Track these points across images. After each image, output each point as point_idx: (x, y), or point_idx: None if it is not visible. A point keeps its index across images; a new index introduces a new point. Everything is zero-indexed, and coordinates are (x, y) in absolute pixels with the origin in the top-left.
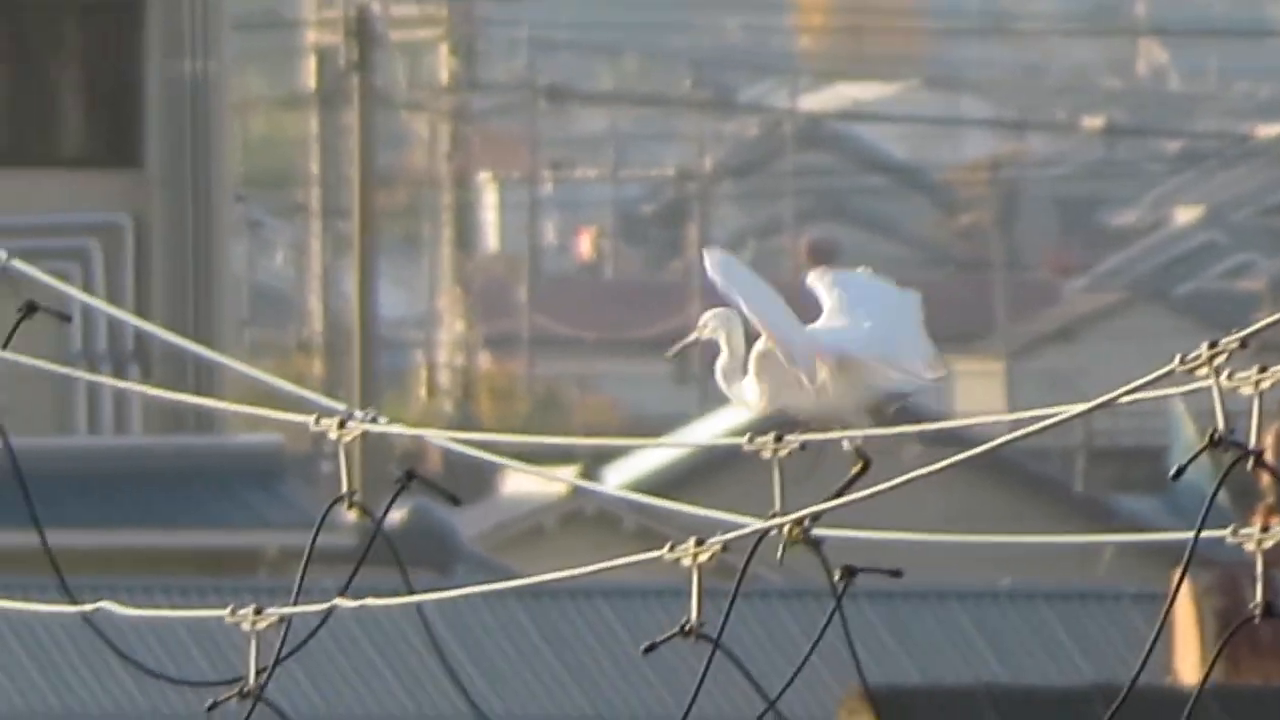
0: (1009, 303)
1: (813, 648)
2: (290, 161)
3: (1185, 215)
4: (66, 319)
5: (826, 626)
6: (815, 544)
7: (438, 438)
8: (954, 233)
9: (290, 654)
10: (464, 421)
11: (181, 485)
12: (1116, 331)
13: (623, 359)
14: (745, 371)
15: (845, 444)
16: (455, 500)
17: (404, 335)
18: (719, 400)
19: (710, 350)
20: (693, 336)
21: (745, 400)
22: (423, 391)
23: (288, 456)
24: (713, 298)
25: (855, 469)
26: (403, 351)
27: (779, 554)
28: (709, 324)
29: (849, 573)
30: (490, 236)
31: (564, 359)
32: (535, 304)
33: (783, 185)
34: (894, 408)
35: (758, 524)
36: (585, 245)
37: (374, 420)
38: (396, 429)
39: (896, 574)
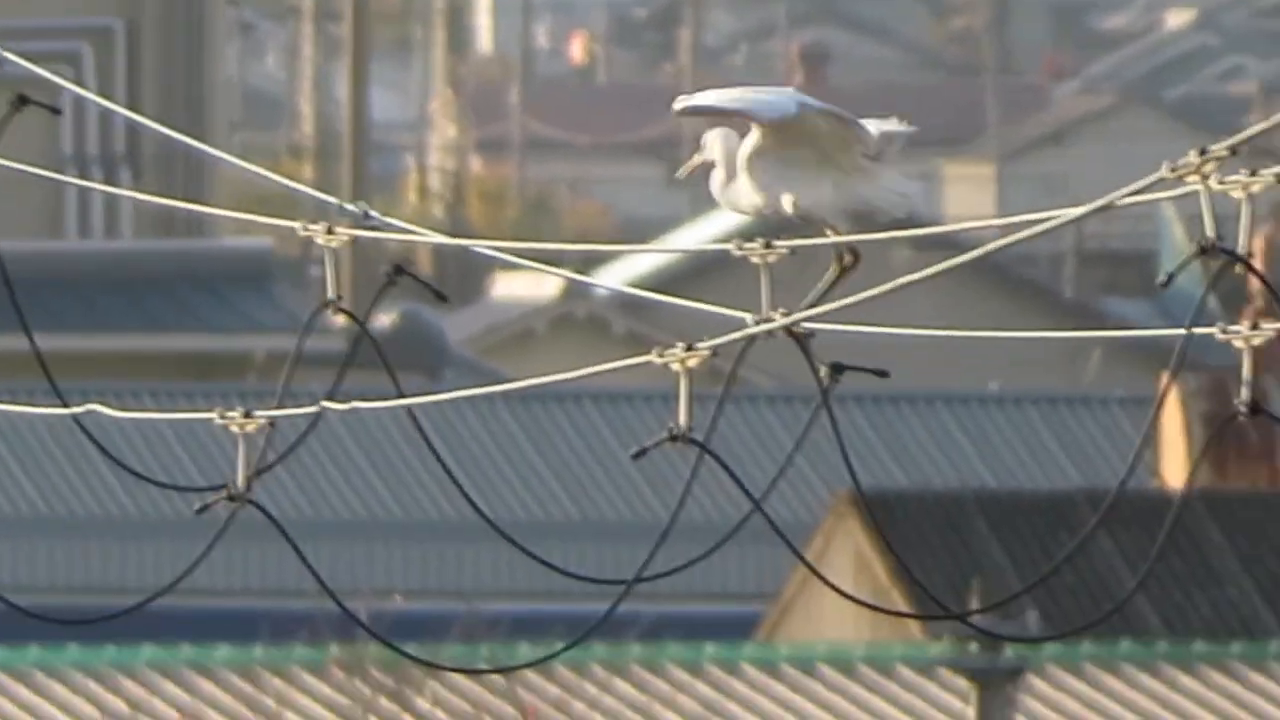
0: (1000, 106)
1: (798, 444)
2: None
3: (1177, 18)
4: (57, 112)
5: (811, 422)
6: (802, 340)
7: (430, 238)
8: (946, 36)
9: (280, 459)
10: (454, 225)
11: (171, 289)
12: (1108, 135)
13: (614, 163)
14: (738, 179)
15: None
16: (443, 297)
17: (395, 139)
18: (710, 204)
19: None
20: (698, 158)
21: (739, 204)
22: (413, 195)
23: (277, 260)
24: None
25: (845, 262)
26: (394, 155)
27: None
28: (712, 142)
29: (836, 369)
30: (483, 39)
31: (555, 162)
32: (527, 107)
33: None
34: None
35: (747, 327)
36: (578, 48)
37: (366, 217)
38: (390, 222)
39: (883, 374)
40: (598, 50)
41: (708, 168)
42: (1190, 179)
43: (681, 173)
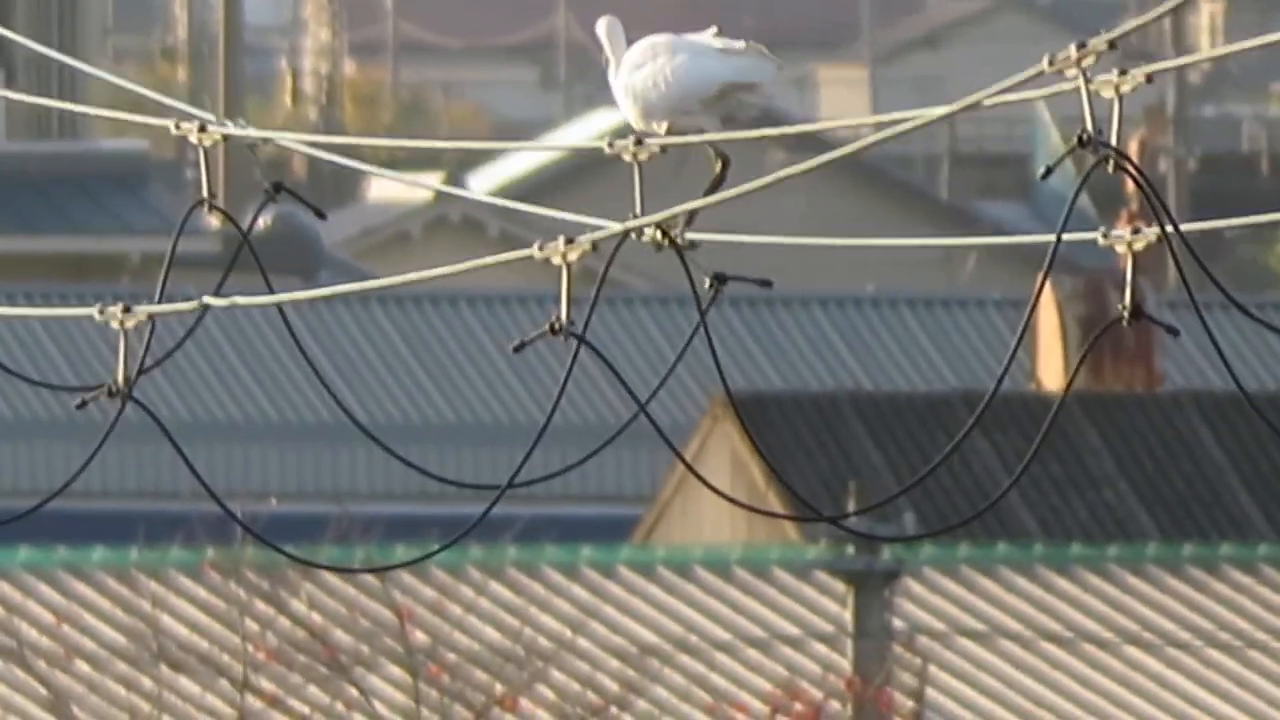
0: (874, 9)
1: (679, 358)
2: None
3: None
4: (321, 215)
5: (693, 336)
6: (681, 249)
7: (298, 142)
8: None
9: (166, 357)
10: (329, 128)
11: (45, 191)
12: (981, 38)
13: (488, 65)
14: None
15: (709, 149)
16: (321, 215)
17: (269, 42)
18: (585, 105)
19: (575, 55)
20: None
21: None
22: (287, 98)
23: (152, 163)
24: (575, 4)
25: (717, 169)
26: (268, 58)
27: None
28: (600, 30)
29: (719, 280)
30: None
31: (429, 65)
32: (400, 10)
33: None
34: (743, 103)
35: (620, 225)
36: None
37: (244, 127)
38: (257, 133)
39: (766, 284)
40: None
41: (565, 50)
42: (1069, 73)
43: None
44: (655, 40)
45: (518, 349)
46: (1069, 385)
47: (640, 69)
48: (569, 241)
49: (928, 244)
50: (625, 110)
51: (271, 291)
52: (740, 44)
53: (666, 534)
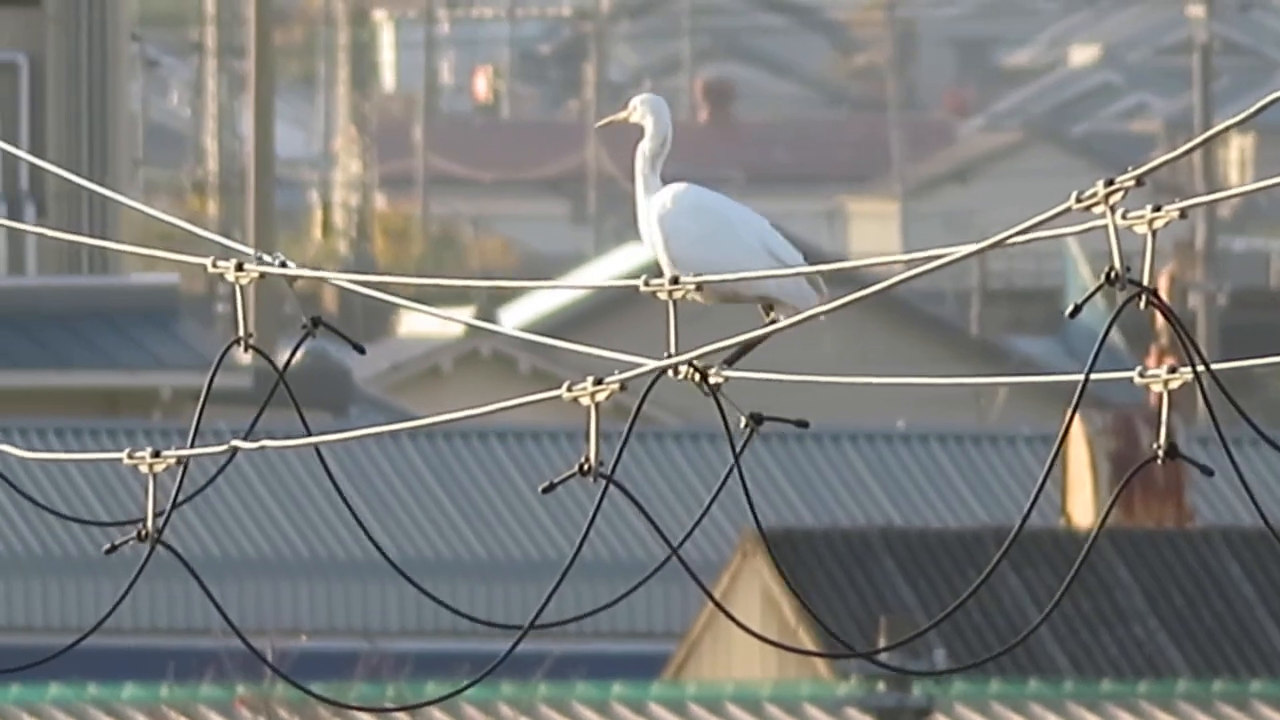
0: (904, 143)
1: (714, 497)
2: (186, 0)
3: (1081, 55)
4: (360, 350)
5: (729, 476)
6: (715, 393)
7: (339, 280)
8: (850, 72)
9: (190, 497)
10: (359, 262)
11: (77, 326)
12: (1012, 171)
13: (519, 199)
14: (663, 156)
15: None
16: (361, 349)
17: (299, 175)
18: (615, 240)
19: (606, 189)
20: (622, 114)
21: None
22: (318, 231)
23: (183, 297)
24: (606, 138)
25: (769, 317)
26: (298, 191)
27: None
28: (638, 108)
29: (755, 420)
30: (387, 76)
31: (459, 199)
32: (431, 144)
33: (679, 24)
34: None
35: (654, 363)
36: (482, 85)
37: (283, 265)
38: (296, 271)
39: (803, 424)
40: (502, 86)
41: (628, 127)
42: (1096, 210)
43: (600, 123)
44: (715, 207)
45: (547, 490)
46: (1102, 522)
47: (688, 228)
48: (598, 382)
49: (959, 383)
50: (651, 243)
51: (308, 429)
52: (800, 258)
53: (697, 670)
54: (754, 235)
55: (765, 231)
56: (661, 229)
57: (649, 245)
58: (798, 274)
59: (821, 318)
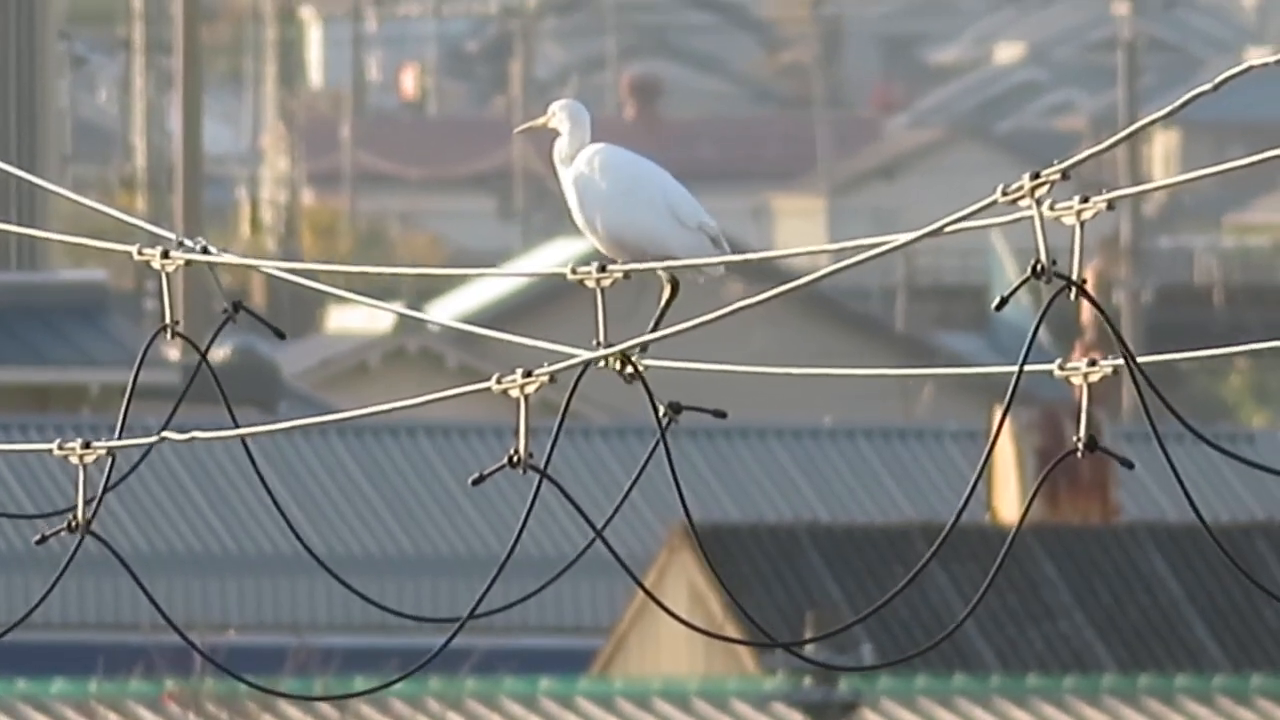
0: (831, 140)
1: (634, 481)
2: None
3: (1007, 52)
4: (280, 335)
5: (648, 461)
6: (641, 377)
7: (263, 267)
8: (777, 70)
9: (116, 484)
10: (287, 258)
11: (4, 322)
12: (938, 169)
13: (446, 195)
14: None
15: (661, 273)
16: (281, 334)
17: (228, 171)
18: (543, 235)
19: (533, 185)
20: (541, 120)
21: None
22: (246, 228)
23: (112, 293)
24: (532, 134)
25: (665, 294)
26: (226, 187)
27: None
28: (557, 113)
29: (675, 409)
30: (314, 73)
31: (387, 195)
32: (359, 140)
33: (606, 21)
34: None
35: (585, 353)
36: (409, 82)
37: (205, 251)
38: (219, 257)
39: (720, 415)
40: (429, 83)
41: (548, 133)
42: (1023, 203)
43: (519, 129)
44: (622, 165)
45: (477, 481)
46: (1023, 517)
47: (599, 186)
48: (527, 374)
49: (885, 374)
50: (577, 214)
51: (235, 422)
52: (701, 215)
53: (625, 665)
54: (657, 191)
55: (669, 189)
56: (575, 190)
57: (574, 212)
58: (723, 261)
59: (756, 310)
